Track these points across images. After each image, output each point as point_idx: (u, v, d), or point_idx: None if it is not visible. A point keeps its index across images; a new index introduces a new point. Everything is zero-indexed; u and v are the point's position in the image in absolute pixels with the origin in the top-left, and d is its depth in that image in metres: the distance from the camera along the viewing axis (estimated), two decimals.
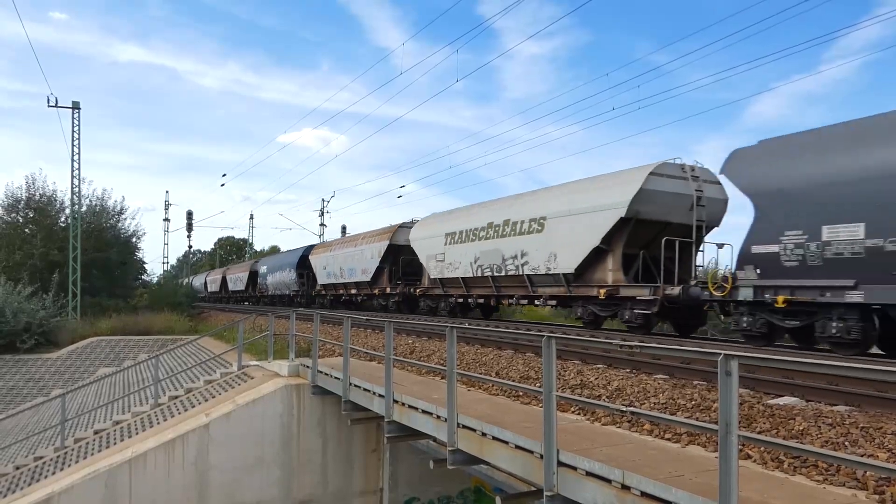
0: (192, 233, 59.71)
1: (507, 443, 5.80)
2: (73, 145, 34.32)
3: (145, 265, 48.87)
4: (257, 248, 79.21)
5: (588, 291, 15.03)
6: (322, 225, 58.48)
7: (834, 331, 9.90)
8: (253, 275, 45.33)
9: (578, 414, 6.65)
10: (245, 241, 78.75)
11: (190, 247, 71.50)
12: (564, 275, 15.56)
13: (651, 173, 13.88)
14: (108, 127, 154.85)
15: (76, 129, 34.39)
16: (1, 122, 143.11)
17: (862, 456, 4.45)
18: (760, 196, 10.87)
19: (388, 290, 25.52)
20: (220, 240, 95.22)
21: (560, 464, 4.97)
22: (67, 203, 36.35)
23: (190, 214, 59.21)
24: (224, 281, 54.21)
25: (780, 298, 10.45)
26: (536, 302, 17.23)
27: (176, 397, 13.84)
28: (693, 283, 12.97)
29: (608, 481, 4.56)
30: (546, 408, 4.99)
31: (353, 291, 28.60)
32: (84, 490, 10.08)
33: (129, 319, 30.36)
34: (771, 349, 10.57)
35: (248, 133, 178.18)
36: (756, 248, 10.84)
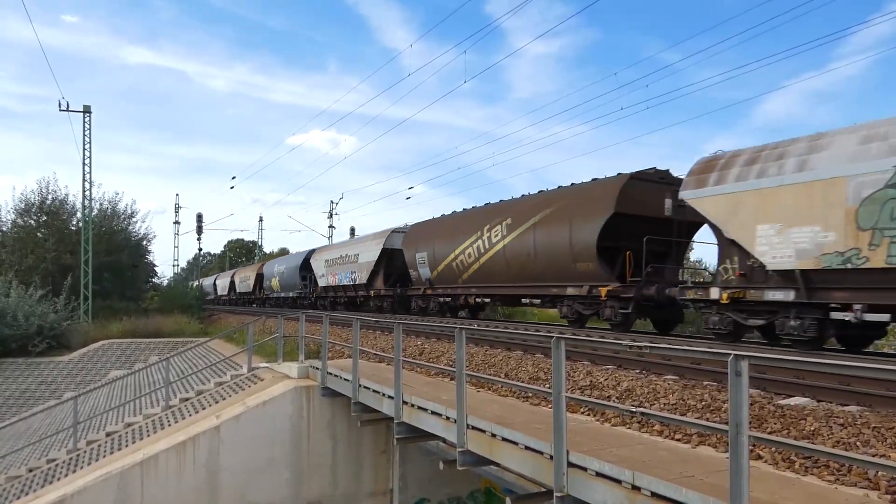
0: (202, 235, 59.78)
1: (516, 444, 5.80)
2: (84, 149, 34.61)
3: (156, 268, 49.22)
4: (266, 250, 79.61)
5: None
6: (331, 227, 58.72)
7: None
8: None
9: (588, 415, 6.65)
10: (254, 243, 79.17)
11: (200, 249, 72.02)
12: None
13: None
14: (118, 129, 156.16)
15: (87, 132, 34.68)
16: (13, 125, 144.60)
17: (874, 456, 4.43)
18: None
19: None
20: (229, 242, 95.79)
21: (570, 465, 4.97)
22: (79, 206, 36.66)
23: (200, 217, 59.43)
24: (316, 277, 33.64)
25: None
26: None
27: (187, 399, 13.93)
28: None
29: (618, 482, 4.56)
30: (556, 409, 4.99)
31: None
32: (96, 492, 10.16)
33: (139, 322, 30.53)
34: (780, 350, 10.51)
35: (257, 135, 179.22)
36: None
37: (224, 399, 12.68)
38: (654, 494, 4.27)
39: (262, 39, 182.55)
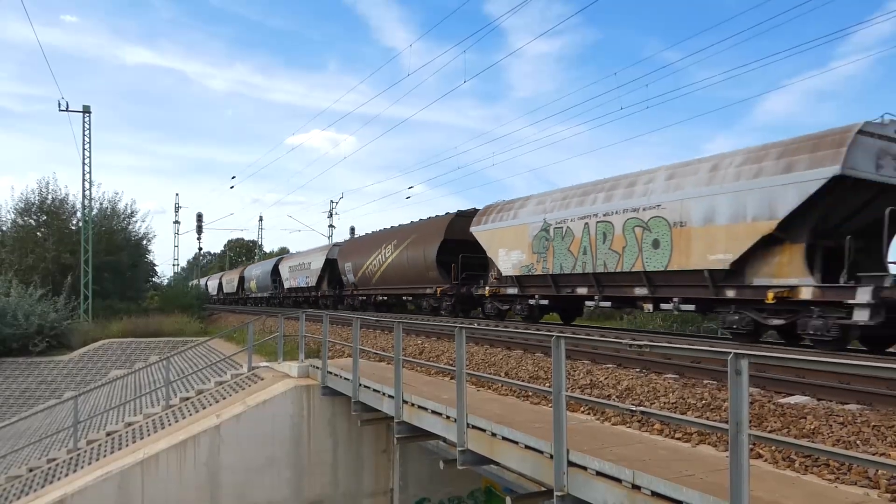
0: (202, 235, 59.81)
1: (517, 443, 5.80)
2: (83, 149, 34.62)
3: (156, 267, 49.20)
4: (266, 249, 79.62)
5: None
6: (331, 226, 58.75)
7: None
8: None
9: (588, 414, 6.65)
10: (254, 242, 79.18)
11: (200, 249, 72.10)
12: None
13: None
14: (118, 129, 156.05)
15: (87, 132, 34.69)
16: (13, 126, 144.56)
17: (874, 454, 4.43)
18: None
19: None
20: (229, 241, 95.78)
21: (570, 464, 4.97)
22: (79, 206, 36.66)
23: (200, 217, 59.51)
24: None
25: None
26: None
27: (187, 399, 13.93)
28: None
29: (618, 481, 4.56)
30: (556, 408, 4.99)
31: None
32: (97, 491, 10.16)
33: (140, 322, 30.52)
34: (781, 348, 10.52)
35: (256, 135, 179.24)
36: None
37: (224, 398, 12.68)
38: (654, 493, 4.27)
39: (262, 39, 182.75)
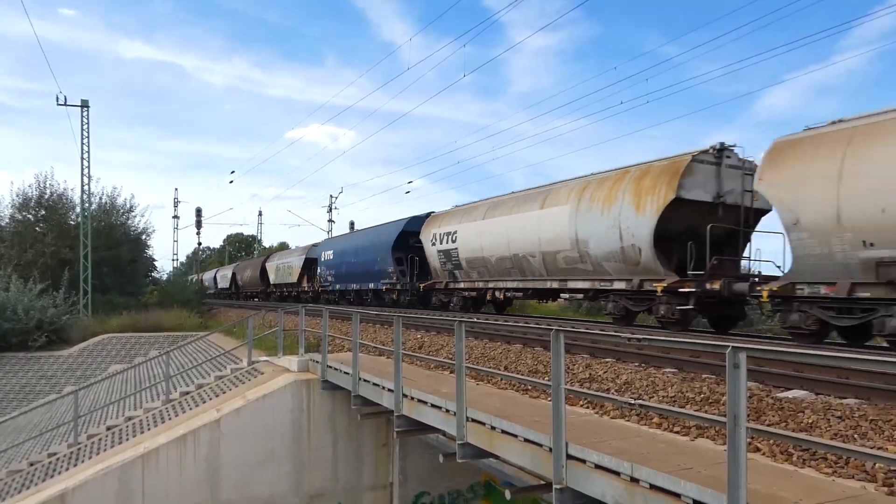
0: (202, 230, 59.90)
1: (516, 436, 5.83)
2: (82, 144, 34.55)
3: (155, 262, 49.12)
4: (266, 244, 79.69)
5: None
6: (330, 221, 58.78)
7: None
8: None
9: (587, 408, 6.67)
10: (254, 237, 79.25)
11: (199, 244, 72.19)
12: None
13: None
14: (116, 125, 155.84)
15: (85, 127, 34.61)
16: (11, 121, 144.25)
17: (871, 448, 4.45)
18: None
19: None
20: (229, 236, 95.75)
21: (569, 457, 4.99)
22: (78, 201, 36.59)
23: (199, 212, 59.59)
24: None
25: None
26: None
27: (187, 393, 13.95)
28: None
29: (617, 474, 4.58)
30: (555, 401, 5.01)
31: None
32: (97, 486, 10.19)
33: (139, 317, 30.51)
34: (779, 343, 10.55)
35: (255, 130, 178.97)
36: None
37: (224, 392, 12.70)
38: (652, 486, 4.29)
39: (260, 33, 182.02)
